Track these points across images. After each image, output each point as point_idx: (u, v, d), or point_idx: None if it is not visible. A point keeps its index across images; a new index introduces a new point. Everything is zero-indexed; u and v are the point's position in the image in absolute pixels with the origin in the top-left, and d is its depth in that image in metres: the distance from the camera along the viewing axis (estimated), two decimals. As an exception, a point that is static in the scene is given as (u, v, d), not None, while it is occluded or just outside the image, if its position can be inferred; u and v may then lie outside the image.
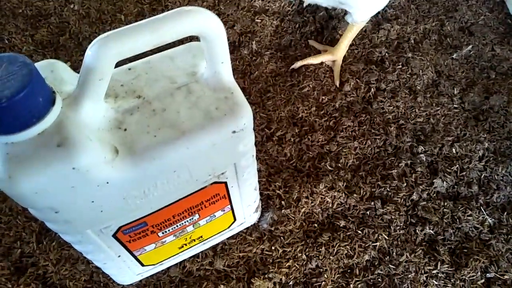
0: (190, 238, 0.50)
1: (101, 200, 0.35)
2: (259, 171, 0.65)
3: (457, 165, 0.67)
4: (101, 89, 0.33)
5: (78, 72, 0.38)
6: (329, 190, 0.63)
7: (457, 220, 0.62)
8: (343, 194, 0.63)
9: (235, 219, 0.53)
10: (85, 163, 0.32)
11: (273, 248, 0.58)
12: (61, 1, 0.84)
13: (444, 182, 0.65)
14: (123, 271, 0.49)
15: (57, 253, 0.56)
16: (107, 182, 0.34)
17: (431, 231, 0.61)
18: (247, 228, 0.59)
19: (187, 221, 0.46)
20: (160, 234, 0.45)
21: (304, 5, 0.87)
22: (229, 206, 0.48)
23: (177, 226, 0.45)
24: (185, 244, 0.51)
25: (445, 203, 0.63)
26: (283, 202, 0.62)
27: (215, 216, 0.49)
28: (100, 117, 0.35)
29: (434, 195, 0.64)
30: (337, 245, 0.58)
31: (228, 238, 0.58)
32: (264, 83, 0.76)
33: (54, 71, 0.36)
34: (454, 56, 0.82)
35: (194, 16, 0.32)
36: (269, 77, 0.77)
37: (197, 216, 0.46)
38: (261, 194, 0.62)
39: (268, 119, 0.71)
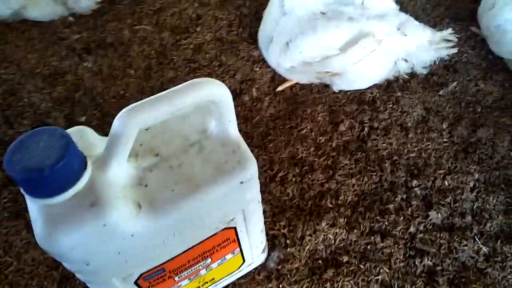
0: (203, 280, 0.54)
1: (126, 251, 0.40)
2: (264, 211, 0.69)
3: (450, 197, 0.72)
4: (125, 152, 0.38)
5: (95, 130, 0.43)
6: (331, 227, 0.67)
7: (454, 250, 0.66)
8: (344, 230, 0.67)
9: (244, 261, 0.56)
10: (114, 220, 0.36)
11: (280, 286, 0.61)
12: (75, 59, 0.91)
13: (439, 214, 0.69)
14: None
15: (78, 300, 0.60)
16: (132, 235, 0.38)
17: (429, 262, 0.64)
18: (255, 268, 0.63)
19: (201, 265, 0.50)
20: (176, 278, 0.49)
21: None
22: (238, 249, 0.52)
23: (191, 270, 0.49)
24: (199, 287, 0.54)
25: (441, 235, 0.67)
26: (288, 240, 0.66)
27: (225, 259, 0.52)
28: (123, 176, 0.40)
29: (430, 227, 0.68)
30: (341, 280, 0.62)
31: (238, 279, 0.61)
32: (265, 127, 0.82)
33: (83, 137, 0.41)
34: (440, 92, 0.88)
35: (206, 87, 0.37)
36: (269, 121, 0.83)
37: (209, 260, 0.50)
38: (266, 233, 0.66)
39: (270, 160, 0.76)
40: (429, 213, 0.69)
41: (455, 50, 0.87)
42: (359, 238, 0.66)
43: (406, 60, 0.88)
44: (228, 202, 0.43)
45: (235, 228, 0.48)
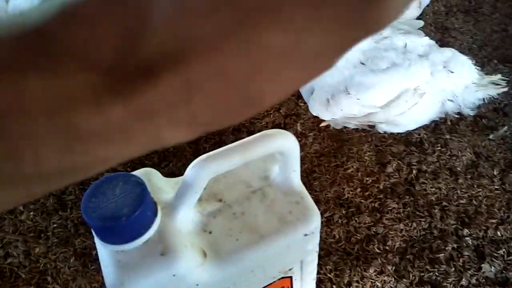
0: None
1: None
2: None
3: (504, 249, 0.69)
4: (194, 200, 0.38)
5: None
6: (379, 274, 0.65)
7: (509, 308, 0.63)
8: (393, 279, 0.65)
9: None
10: (182, 269, 0.36)
11: (328, 335, 0.59)
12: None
13: (492, 267, 0.67)
14: None
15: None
16: (197, 285, 0.38)
17: (483, 319, 0.61)
18: (301, 312, 0.61)
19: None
20: None
21: None
22: None
23: None
24: None
25: (496, 290, 0.64)
26: (334, 286, 0.64)
27: None
28: (189, 221, 0.40)
29: (483, 280, 0.65)
30: (391, 333, 0.59)
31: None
32: (310, 164, 0.81)
33: (151, 180, 0.42)
34: (490, 136, 0.86)
35: (277, 139, 0.38)
36: (313, 157, 0.82)
37: None
38: (313, 277, 0.65)
39: (316, 199, 0.75)
40: (482, 265, 0.67)
41: (505, 89, 0.84)
42: (409, 289, 0.64)
43: (452, 101, 0.86)
44: (289, 253, 0.43)
45: (291, 277, 0.47)
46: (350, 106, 0.75)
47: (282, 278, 0.46)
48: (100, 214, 0.33)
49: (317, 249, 0.47)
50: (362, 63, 0.75)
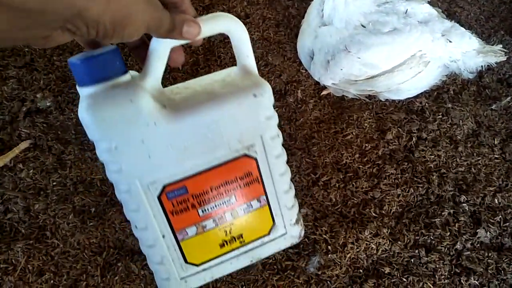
0: (230, 233, 0.51)
1: (149, 142, 0.42)
2: (306, 215, 0.69)
3: (500, 216, 0.69)
4: (160, 67, 0.42)
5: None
6: (374, 236, 0.66)
7: (502, 271, 0.63)
8: (388, 241, 0.65)
9: (274, 222, 0.54)
10: (140, 99, 0.40)
11: (321, 291, 0.60)
12: (125, 51, 0.93)
13: (488, 233, 0.67)
14: (167, 266, 0.51)
15: (120, 287, 0.61)
16: (155, 123, 0.41)
17: (476, 281, 0.62)
18: (295, 271, 0.62)
19: (225, 202, 0.48)
20: (200, 212, 0.48)
21: None
22: (264, 197, 0.50)
23: (215, 205, 0.48)
24: (226, 242, 0.52)
25: (489, 254, 0.64)
26: (329, 247, 0.65)
27: (252, 206, 0.50)
28: (156, 90, 0.44)
29: (478, 245, 0.66)
30: (383, 292, 0.60)
31: (276, 281, 0.61)
32: (309, 130, 0.81)
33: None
34: (493, 107, 0.85)
35: (222, 19, 0.42)
36: (313, 123, 0.82)
37: (233, 198, 0.49)
38: (308, 238, 0.65)
39: (314, 164, 0.75)
40: (478, 230, 0.67)
41: (503, 58, 0.82)
42: (403, 251, 0.65)
43: (454, 62, 0.84)
44: (243, 116, 0.45)
45: (256, 160, 0.48)
46: (350, 65, 0.74)
47: (246, 156, 0.47)
48: (78, 58, 0.38)
49: (278, 133, 0.47)
50: (363, 26, 0.74)
